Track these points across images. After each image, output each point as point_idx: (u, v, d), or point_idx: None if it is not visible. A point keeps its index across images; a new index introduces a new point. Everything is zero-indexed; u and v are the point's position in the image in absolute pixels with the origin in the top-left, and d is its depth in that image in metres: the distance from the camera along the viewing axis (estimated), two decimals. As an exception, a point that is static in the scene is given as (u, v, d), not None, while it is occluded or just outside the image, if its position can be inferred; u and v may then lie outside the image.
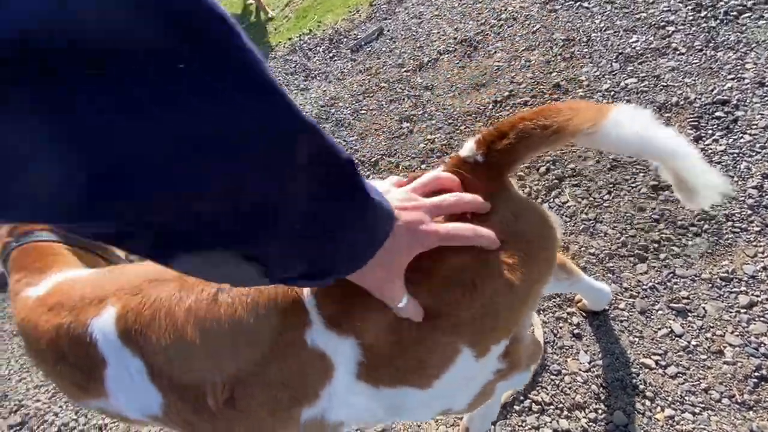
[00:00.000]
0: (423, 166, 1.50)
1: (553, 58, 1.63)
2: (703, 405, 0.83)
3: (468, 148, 0.47)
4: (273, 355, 0.44)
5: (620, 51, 1.52)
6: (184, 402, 0.46)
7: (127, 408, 0.51)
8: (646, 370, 0.90)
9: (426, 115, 1.68)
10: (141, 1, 0.18)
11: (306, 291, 0.44)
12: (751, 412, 0.80)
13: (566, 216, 1.18)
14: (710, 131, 1.20)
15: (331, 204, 0.30)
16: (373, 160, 1.60)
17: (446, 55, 1.90)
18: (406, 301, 0.41)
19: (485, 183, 0.46)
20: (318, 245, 0.31)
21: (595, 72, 1.49)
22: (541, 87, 1.54)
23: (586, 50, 1.59)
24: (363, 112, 1.84)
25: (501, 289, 0.43)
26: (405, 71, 1.94)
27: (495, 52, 1.79)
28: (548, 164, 1.30)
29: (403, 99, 1.80)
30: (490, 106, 1.57)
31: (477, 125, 1.53)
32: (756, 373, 0.83)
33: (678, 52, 1.43)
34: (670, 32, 1.50)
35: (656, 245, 1.05)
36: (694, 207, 0.47)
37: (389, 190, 0.44)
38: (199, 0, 0.20)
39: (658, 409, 0.85)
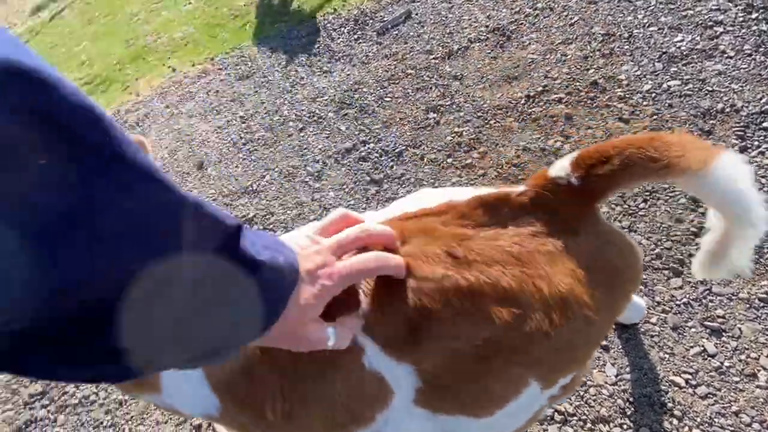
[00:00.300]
0: (449, 160, 1.45)
1: (591, 54, 1.55)
2: (733, 428, 0.81)
3: (561, 167, 0.43)
4: (333, 375, 0.42)
5: (664, 50, 1.44)
6: (242, 409, 0.44)
7: (181, 405, 0.49)
8: (675, 388, 0.88)
9: (454, 106, 1.62)
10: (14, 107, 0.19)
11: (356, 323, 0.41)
12: (783, 440, 0.78)
13: (598, 222, 1.14)
14: (756, 143, 1.14)
15: (218, 276, 0.28)
16: (397, 150, 1.56)
17: (477, 44, 1.82)
18: (333, 340, 0.37)
19: (572, 207, 0.42)
20: (211, 322, 0.29)
21: (636, 71, 1.42)
22: (577, 84, 1.47)
23: (627, 47, 1.51)
24: (388, 99, 1.79)
25: (581, 325, 0.40)
26: (433, 58, 1.87)
27: (529, 43, 1.71)
28: (582, 167, 1.25)
29: (431, 88, 1.73)
30: (522, 101, 1.51)
31: (508, 120, 1.48)
32: (792, 400, 0.81)
33: (726, 56, 1.35)
34: (718, 33, 1.42)
35: (693, 259, 1.01)
36: (703, 272, 0.48)
37: (296, 237, 0.40)
38: (63, 98, 0.20)
39: (686, 429, 0.83)
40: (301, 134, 1.80)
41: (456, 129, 1.53)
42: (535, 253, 0.40)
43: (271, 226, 1.48)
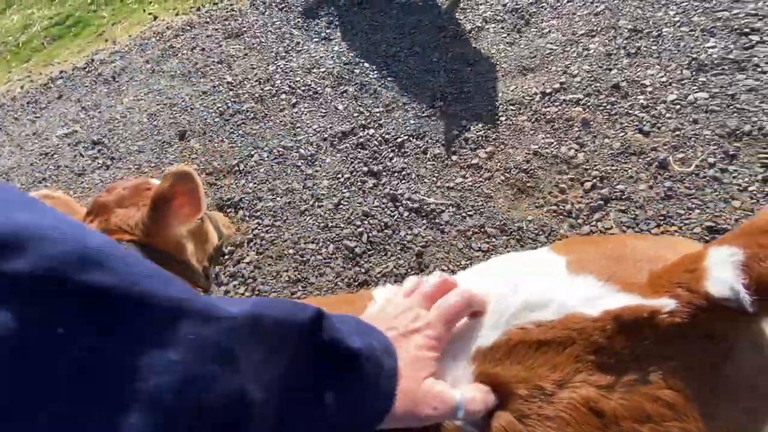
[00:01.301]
0: (454, 158, 1.33)
1: (615, 51, 1.41)
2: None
3: (729, 287, 0.31)
4: None
5: (694, 56, 1.32)
6: None
7: None
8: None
9: (463, 95, 1.48)
10: None
11: None
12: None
13: (606, 244, 1.07)
14: (780, 172, 1.07)
15: (312, 377, 0.28)
16: (398, 140, 1.42)
17: (492, 25, 1.65)
18: (463, 411, 0.33)
19: (732, 328, 0.33)
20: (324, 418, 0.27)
21: (662, 77, 1.30)
22: (598, 85, 1.34)
23: (655, 48, 1.38)
24: (391, 79, 1.62)
25: None
26: (443, 37, 1.69)
27: (549, 31, 1.55)
28: (595, 180, 1.16)
29: (439, 72, 1.57)
30: (537, 98, 1.38)
31: (520, 119, 1.35)
32: None
33: (759, 70, 1.24)
34: (753, 42, 1.30)
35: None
36: None
37: (382, 308, 0.40)
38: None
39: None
40: (294, 110, 1.63)
41: (463, 122, 1.40)
42: (692, 398, 0.32)
43: (258, 213, 1.36)
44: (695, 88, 1.25)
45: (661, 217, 1.06)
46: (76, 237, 0.19)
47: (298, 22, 1.97)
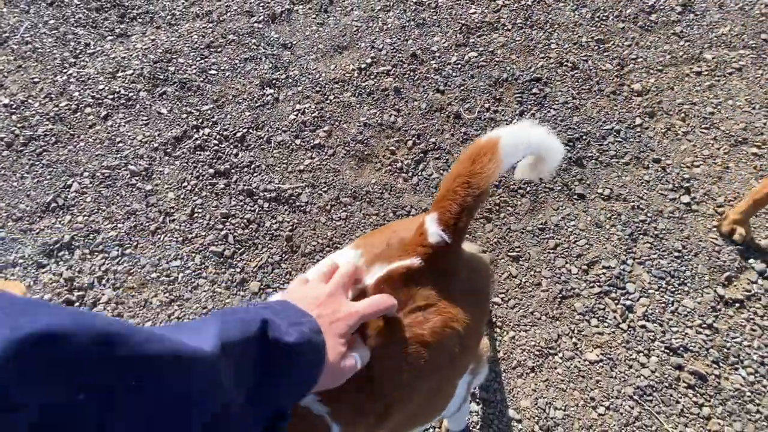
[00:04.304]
0: (297, 141, 1.39)
1: (407, 23, 1.62)
2: (531, 323, 1.14)
3: (435, 233, 0.52)
4: None
5: (463, 21, 1.61)
6: None
7: None
8: (496, 306, 1.16)
9: (290, 80, 1.51)
10: None
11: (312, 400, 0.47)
12: (557, 322, 1.14)
13: (432, 187, 1.31)
14: (529, 106, 1.44)
15: (265, 367, 0.36)
16: (238, 134, 1.40)
17: (300, 6, 1.68)
18: (360, 363, 0.46)
19: (450, 254, 0.52)
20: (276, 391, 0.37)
21: (444, 43, 1.56)
22: (400, 56, 1.54)
23: (435, 17, 1.63)
24: (213, 72, 1.54)
25: (480, 334, 0.57)
26: (256, 22, 1.66)
27: (351, 9, 1.67)
28: (414, 138, 1.38)
29: (261, 58, 1.56)
30: (356, 74, 1.51)
31: (345, 95, 1.47)
32: (559, 295, 1.16)
33: (506, 28, 1.60)
34: (499, 6, 1.65)
35: (498, 207, 1.27)
36: (522, 176, 0.64)
37: (306, 289, 0.48)
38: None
39: (505, 333, 1.13)
40: (108, 123, 1.43)
41: (297, 106, 1.46)
42: (445, 304, 0.52)
43: (101, 246, 1.21)
44: (468, 49, 1.55)
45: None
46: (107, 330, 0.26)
47: (80, 18, 1.66)
